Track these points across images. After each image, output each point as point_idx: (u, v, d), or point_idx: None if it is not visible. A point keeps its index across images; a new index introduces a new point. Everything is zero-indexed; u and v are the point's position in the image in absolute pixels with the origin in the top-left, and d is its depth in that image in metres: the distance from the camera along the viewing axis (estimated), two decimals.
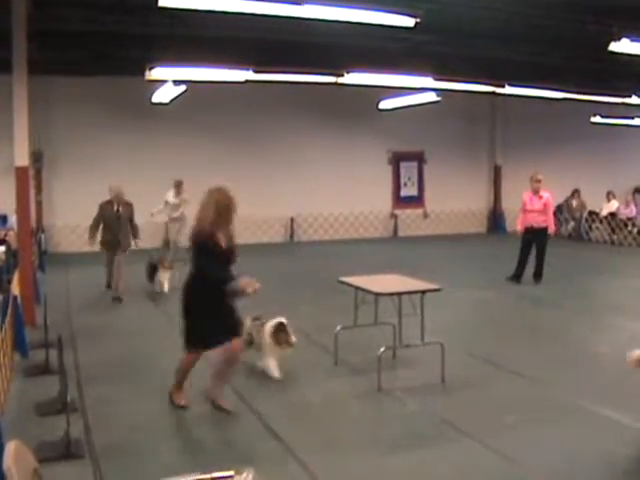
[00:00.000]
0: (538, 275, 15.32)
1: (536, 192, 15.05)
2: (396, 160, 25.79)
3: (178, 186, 17.66)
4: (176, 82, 16.53)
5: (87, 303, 13.64)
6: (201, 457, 6.35)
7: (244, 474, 3.65)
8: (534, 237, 15.07)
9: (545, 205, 15.14)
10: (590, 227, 24.56)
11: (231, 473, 3.72)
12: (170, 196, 17.72)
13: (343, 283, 9.12)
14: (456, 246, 20.74)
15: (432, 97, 20.07)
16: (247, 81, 16.06)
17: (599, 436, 6.76)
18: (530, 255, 15.29)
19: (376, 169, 25.28)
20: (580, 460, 6.21)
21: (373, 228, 25.36)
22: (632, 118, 26.28)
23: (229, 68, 14.94)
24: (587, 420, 7.20)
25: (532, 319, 12.29)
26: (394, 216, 25.78)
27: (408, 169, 26.08)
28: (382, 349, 8.26)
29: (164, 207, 17.73)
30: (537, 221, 15.00)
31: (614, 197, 25.67)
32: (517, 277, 15.33)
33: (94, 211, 14.01)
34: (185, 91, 17.53)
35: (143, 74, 14.37)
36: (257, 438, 6.82)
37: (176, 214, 17.60)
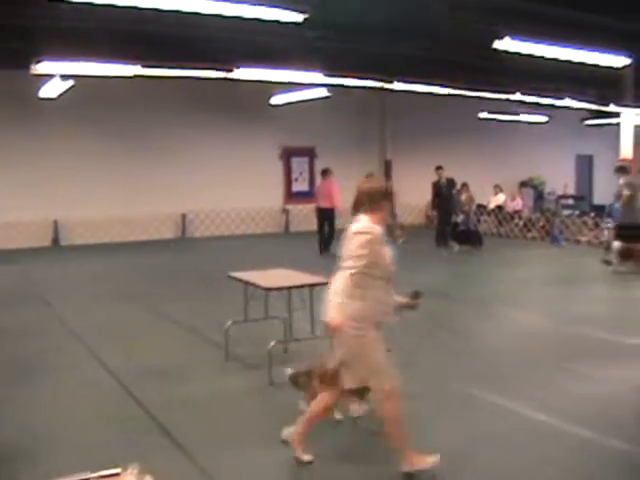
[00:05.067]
0: None
1: None
2: (287, 155, 25.90)
3: None
4: (63, 76, 16.21)
5: None
6: (90, 455, 6.25)
7: (129, 470, 3.61)
8: None
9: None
10: (478, 220, 25.12)
11: (117, 470, 3.67)
12: None
13: (233, 278, 9.11)
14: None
15: (323, 93, 20.22)
16: (135, 76, 15.87)
17: (488, 423, 6.97)
18: None
19: (267, 164, 25.33)
20: (469, 445, 6.37)
21: (265, 223, 25.39)
22: (518, 114, 27.02)
23: (117, 63, 14.75)
24: (476, 407, 7.39)
25: (421, 309, 12.43)
26: (285, 211, 25.87)
27: (299, 164, 26.24)
28: (272, 343, 8.28)
29: None
30: None
31: (501, 191, 26.37)
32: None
33: None
34: (73, 86, 17.20)
35: (29, 68, 14.05)
36: (145, 434, 6.77)
37: None
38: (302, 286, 8.48)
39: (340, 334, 5.68)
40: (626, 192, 16.29)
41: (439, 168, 21.04)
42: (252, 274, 9.06)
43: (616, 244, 16.23)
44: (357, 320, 5.63)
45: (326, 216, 19.49)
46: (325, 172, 20.03)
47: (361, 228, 5.69)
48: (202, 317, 11.60)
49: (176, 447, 6.44)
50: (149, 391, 7.96)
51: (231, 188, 24.25)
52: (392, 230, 21.33)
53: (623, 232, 16.27)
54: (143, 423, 7.04)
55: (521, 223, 24.37)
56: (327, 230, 19.56)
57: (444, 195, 21.11)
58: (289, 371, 6.89)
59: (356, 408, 6.78)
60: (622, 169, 17.00)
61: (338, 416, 6.75)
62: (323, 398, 6.03)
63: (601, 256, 16.91)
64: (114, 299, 13.50)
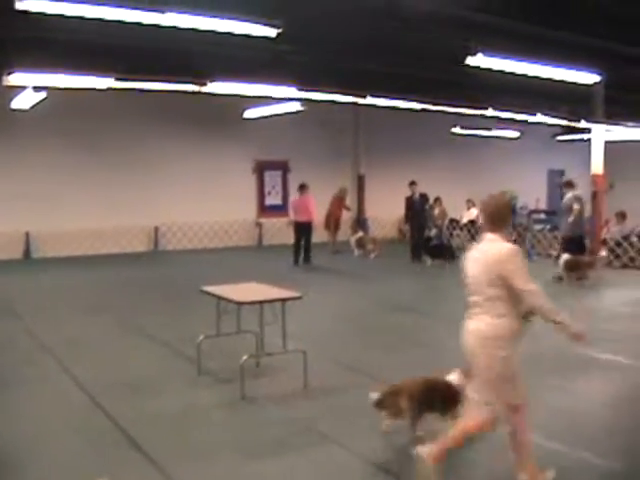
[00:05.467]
0: None
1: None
2: (260, 169, 25.91)
3: None
4: (36, 88, 16.14)
5: None
6: (59, 469, 6.23)
7: None
8: None
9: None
10: (451, 234, 25.24)
11: None
12: None
13: (205, 293, 9.10)
14: (321, 253, 20.92)
15: (296, 107, 20.27)
16: (109, 88, 15.84)
17: None
18: None
19: (241, 178, 25.32)
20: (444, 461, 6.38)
21: (238, 237, 25.35)
22: (490, 129, 27.24)
23: (90, 75, 14.72)
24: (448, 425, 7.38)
25: (394, 325, 12.53)
26: (259, 225, 25.86)
27: (272, 178, 26.25)
28: (244, 357, 8.28)
29: None
30: None
31: (474, 205, 26.46)
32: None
33: None
34: (46, 97, 17.13)
35: (0, 79, 13.99)
36: (115, 447, 6.74)
37: None
38: (274, 300, 8.48)
39: (487, 355, 5.65)
40: (576, 206, 16.84)
41: (413, 183, 21.18)
42: (224, 288, 9.05)
43: (564, 257, 16.60)
44: (506, 339, 5.63)
45: (303, 230, 19.96)
46: (302, 187, 20.41)
47: (511, 249, 5.68)
48: (174, 331, 11.56)
49: (147, 461, 6.41)
50: (120, 404, 7.92)
51: (204, 201, 24.22)
52: (364, 244, 21.56)
53: (571, 245, 16.91)
54: (113, 436, 7.00)
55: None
56: (304, 244, 20.04)
57: (417, 210, 21.23)
58: (375, 395, 6.80)
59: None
60: (569, 184, 17.63)
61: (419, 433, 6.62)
62: (477, 416, 5.90)
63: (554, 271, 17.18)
64: (86, 312, 13.42)
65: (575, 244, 17.13)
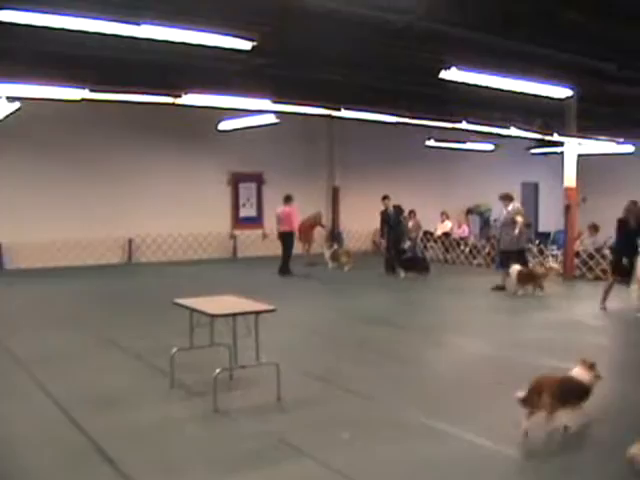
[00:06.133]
0: None
1: None
2: (235, 181, 25.91)
3: None
4: (9, 98, 16.05)
5: None
6: None
7: None
8: None
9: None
10: (425, 246, 25.33)
11: None
12: None
13: (178, 305, 9.07)
14: (295, 265, 20.91)
15: (271, 119, 20.29)
16: (83, 99, 15.78)
17: (433, 449, 6.96)
18: None
19: (215, 190, 25.32)
20: (413, 472, 6.40)
21: (212, 249, 25.32)
22: (464, 142, 27.40)
23: (64, 86, 14.67)
24: (421, 435, 7.38)
25: (368, 337, 12.54)
26: (233, 237, 25.83)
27: (247, 190, 26.25)
28: (218, 370, 8.25)
29: None
30: None
31: (448, 218, 26.66)
32: None
33: None
34: (19, 108, 17.02)
35: None
36: (88, 462, 6.67)
37: None
38: (248, 313, 8.46)
39: None
40: (520, 219, 17.32)
41: (385, 198, 21.29)
42: (198, 300, 9.01)
43: (516, 268, 16.82)
44: None
45: (284, 239, 20.60)
46: (287, 198, 20.94)
47: None
48: (148, 343, 11.51)
49: (120, 475, 6.36)
50: (93, 418, 7.86)
51: (179, 213, 24.20)
52: (338, 257, 21.60)
53: (513, 259, 17.23)
54: (86, 451, 6.94)
55: (467, 250, 24.64)
56: (282, 253, 20.70)
57: (392, 223, 21.30)
58: (521, 394, 7.14)
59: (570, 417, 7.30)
60: (507, 197, 17.92)
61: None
62: None
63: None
64: (59, 325, 13.32)
65: (518, 258, 17.47)
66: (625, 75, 16.20)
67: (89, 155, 22.64)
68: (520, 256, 17.65)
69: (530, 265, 18.67)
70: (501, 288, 17.35)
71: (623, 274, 14.69)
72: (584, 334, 13.06)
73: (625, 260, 14.53)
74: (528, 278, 16.81)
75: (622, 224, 14.77)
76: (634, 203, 14.83)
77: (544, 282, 16.85)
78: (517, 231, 17.23)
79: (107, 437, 7.25)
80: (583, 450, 7.15)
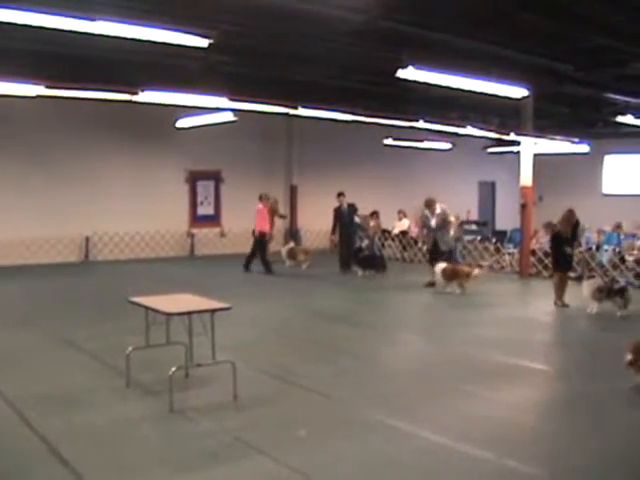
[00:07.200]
0: None
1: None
2: (193, 179, 25.76)
3: None
4: None
5: None
6: None
7: None
8: None
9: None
10: (383, 245, 25.40)
11: None
12: None
13: (134, 304, 9.01)
14: (253, 263, 20.89)
15: (229, 117, 20.22)
16: (38, 96, 15.64)
17: (389, 446, 7.01)
18: None
19: (173, 188, 25.15)
20: (369, 471, 6.43)
21: (169, 247, 25.15)
22: (422, 141, 27.54)
23: (19, 82, 14.51)
24: (377, 432, 7.43)
25: (324, 335, 12.56)
26: (191, 235, 25.71)
27: (205, 188, 26.12)
28: (173, 369, 8.21)
29: None
30: None
31: (405, 216, 26.74)
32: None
33: None
34: None
35: None
36: (43, 463, 6.61)
37: None
38: (203, 311, 8.43)
39: None
40: (452, 219, 18.04)
41: (340, 194, 21.37)
42: (154, 299, 8.97)
43: (441, 265, 17.25)
44: None
45: (255, 238, 20.76)
46: (260, 197, 21.03)
47: None
48: (103, 342, 11.43)
49: (74, 477, 6.32)
50: (47, 419, 7.79)
51: (136, 211, 24.00)
52: (296, 255, 21.61)
53: (443, 257, 17.80)
54: (41, 452, 6.87)
55: (424, 248, 24.71)
56: (250, 250, 20.89)
57: (345, 221, 21.36)
58: (629, 356, 8.68)
59: None
60: (431, 202, 18.28)
61: None
62: None
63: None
64: (13, 324, 13.15)
65: (447, 256, 18.16)
66: (580, 76, 16.39)
67: (45, 153, 22.34)
68: (449, 255, 18.49)
69: (459, 263, 19.57)
70: (432, 284, 17.68)
71: (565, 269, 15.49)
72: (535, 331, 13.29)
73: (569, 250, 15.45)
74: (452, 276, 17.10)
75: (556, 235, 15.66)
76: (571, 212, 15.58)
77: (468, 282, 17.03)
78: (452, 231, 18.27)
79: (62, 438, 7.20)
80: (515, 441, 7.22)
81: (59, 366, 10.24)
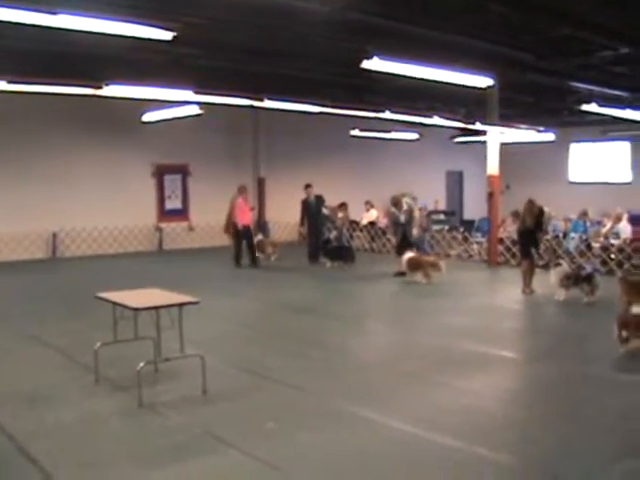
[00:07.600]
0: None
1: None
2: (160, 173, 25.62)
3: None
4: None
5: None
6: None
7: None
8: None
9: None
10: (351, 236, 25.42)
11: None
12: None
13: (101, 299, 8.95)
14: (222, 257, 20.86)
15: (195, 110, 20.12)
16: (1, 91, 15.49)
17: (359, 437, 7.03)
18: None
19: (140, 182, 24.99)
20: (340, 461, 6.44)
21: (137, 242, 25.00)
22: (389, 132, 27.59)
23: None
24: (348, 423, 7.44)
25: (293, 327, 12.57)
26: (159, 229, 25.58)
27: (172, 182, 25.99)
28: (142, 364, 8.17)
29: None
30: None
31: (373, 207, 26.77)
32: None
33: None
34: None
35: None
36: (10, 463, 6.55)
37: None
38: (171, 306, 8.40)
39: None
40: (416, 214, 19.24)
41: (308, 186, 21.38)
42: (121, 294, 8.92)
43: (408, 255, 17.49)
44: None
45: (239, 232, 20.41)
46: (239, 190, 20.79)
47: None
48: (71, 339, 11.34)
49: (42, 475, 6.27)
50: (15, 417, 7.73)
51: (103, 206, 23.84)
52: (264, 247, 21.58)
53: (410, 247, 18.11)
54: (8, 451, 6.81)
55: (393, 240, 24.78)
56: (235, 246, 20.59)
57: (313, 212, 21.36)
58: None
59: None
60: (397, 200, 18.94)
61: None
62: None
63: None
64: None
65: (413, 246, 18.46)
66: (544, 65, 16.49)
67: (9, 149, 22.13)
68: (417, 245, 19.16)
69: (428, 253, 20.18)
70: (402, 274, 17.80)
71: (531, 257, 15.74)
72: (504, 318, 13.42)
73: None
74: (417, 265, 17.25)
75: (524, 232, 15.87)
76: (531, 202, 15.74)
77: (433, 271, 17.15)
78: (416, 230, 19.04)
79: (30, 436, 7.14)
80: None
81: (26, 363, 10.15)
